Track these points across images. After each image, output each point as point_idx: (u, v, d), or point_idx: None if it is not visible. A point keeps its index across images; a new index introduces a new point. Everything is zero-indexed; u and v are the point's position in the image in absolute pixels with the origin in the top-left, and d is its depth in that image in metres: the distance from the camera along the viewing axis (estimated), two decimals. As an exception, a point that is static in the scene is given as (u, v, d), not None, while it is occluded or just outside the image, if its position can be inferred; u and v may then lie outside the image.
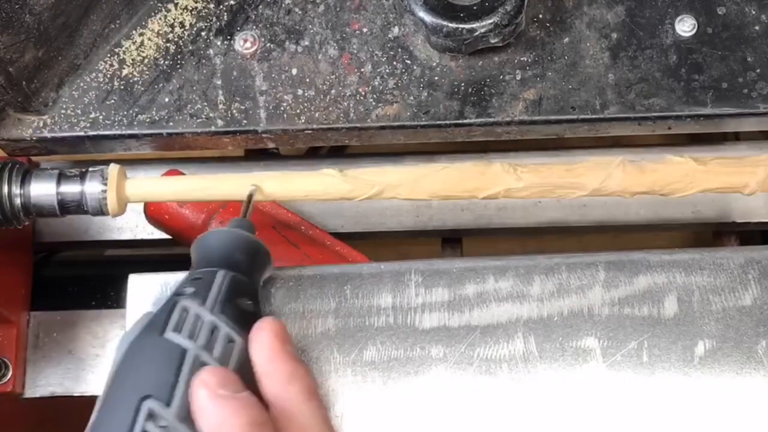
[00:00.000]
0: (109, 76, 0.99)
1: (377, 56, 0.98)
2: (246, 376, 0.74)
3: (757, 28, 0.98)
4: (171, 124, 0.98)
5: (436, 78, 0.97)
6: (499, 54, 0.98)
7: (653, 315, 0.87)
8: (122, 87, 0.98)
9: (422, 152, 1.14)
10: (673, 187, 0.91)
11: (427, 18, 0.93)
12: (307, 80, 0.98)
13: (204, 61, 0.99)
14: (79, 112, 0.98)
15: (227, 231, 0.82)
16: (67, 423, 1.18)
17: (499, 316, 0.87)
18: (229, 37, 0.99)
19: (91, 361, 1.09)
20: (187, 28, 1.00)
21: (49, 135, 0.98)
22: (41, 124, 0.98)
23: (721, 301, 0.87)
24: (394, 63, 0.98)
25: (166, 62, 0.99)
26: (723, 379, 0.86)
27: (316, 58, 0.99)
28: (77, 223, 1.14)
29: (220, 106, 0.98)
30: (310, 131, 0.97)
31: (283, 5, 1.00)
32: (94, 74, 0.99)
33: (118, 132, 0.98)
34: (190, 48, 0.99)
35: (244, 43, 0.99)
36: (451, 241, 1.17)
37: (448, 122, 0.97)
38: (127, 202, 0.92)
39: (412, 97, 0.97)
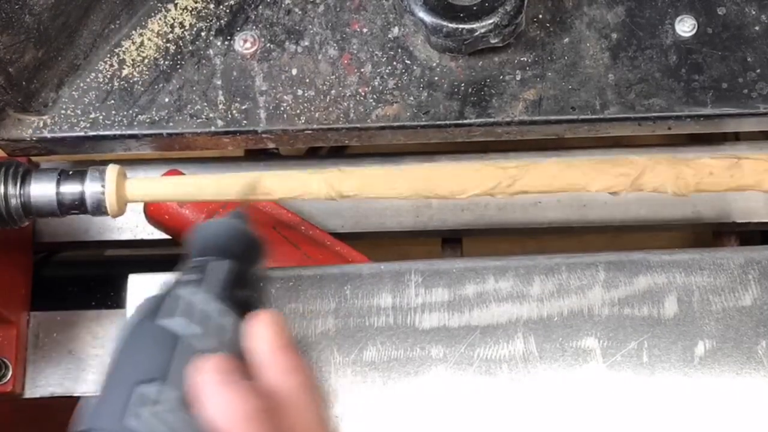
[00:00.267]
0: (109, 76, 0.99)
1: (377, 56, 0.98)
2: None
3: (757, 28, 0.98)
4: (171, 124, 0.98)
5: (436, 78, 0.97)
6: (499, 54, 0.98)
7: (653, 315, 0.87)
8: (122, 87, 0.98)
9: (422, 152, 1.14)
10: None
11: (427, 18, 0.93)
12: (307, 80, 0.98)
13: (204, 61, 0.99)
14: (79, 112, 0.98)
15: (224, 221, 0.83)
16: (67, 423, 1.18)
17: (499, 317, 0.87)
18: (229, 38, 0.99)
19: (91, 361, 1.09)
20: (187, 28, 1.00)
21: (49, 135, 0.98)
22: (41, 125, 0.98)
23: (721, 301, 0.87)
24: (394, 63, 0.98)
25: (166, 62, 0.99)
26: (723, 379, 0.86)
27: (316, 58, 0.99)
28: (77, 223, 1.14)
29: (220, 107, 0.98)
30: (310, 131, 0.97)
31: (283, 5, 1.00)
32: (94, 74, 0.99)
33: (118, 132, 0.98)
34: (190, 48, 0.99)
35: (244, 43, 0.99)
36: (451, 241, 1.17)
37: (448, 122, 0.97)
38: (127, 202, 0.92)
39: (412, 98, 0.97)
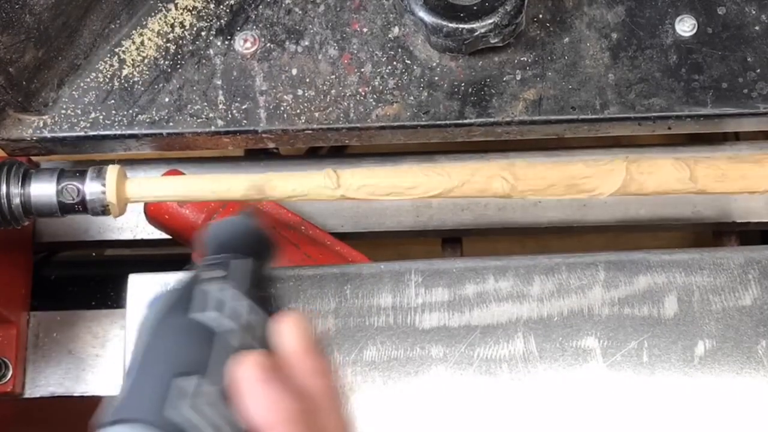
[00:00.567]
0: (109, 76, 0.99)
1: (377, 56, 0.98)
2: None
3: (757, 28, 0.98)
4: (171, 124, 0.98)
5: (436, 78, 0.97)
6: (499, 54, 0.98)
7: (653, 315, 0.87)
8: (122, 87, 0.98)
9: (422, 152, 1.14)
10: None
11: (427, 18, 0.93)
12: (307, 80, 0.98)
13: (204, 61, 0.99)
14: (79, 112, 0.98)
15: (238, 220, 0.83)
16: (67, 423, 1.18)
17: (499, 316, 0.87)
18: (229, 37, 0.99)
19: (91, 361, 1.09)
20: (187, 28, 1.00)
21: (49, 135, 0.98)
22: (41, 124, 0.98)
23: (721, 301, 0.87)
24: (394, 63, 0.98)
25: (166, 62, 0.99)
26: (723, 379, 0.86)
27: (316, 58, 0.99)
28: (77, 223, 1.14)
29: (220, 106, 0.98)
30: (310, 131, 0.97)
31: (283, 5, 1.00)
32: (94, 74, 0.99)
33: (118, 132, 0.98)
34: (190, 48, 0.99)
35: (244, 43, 0.99)
36: (451, 241, 1.17)
37: (448, 122, 0.97)
38: (127, 202, 0.92)
39: (412, 97, 0.97)
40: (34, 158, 1.06)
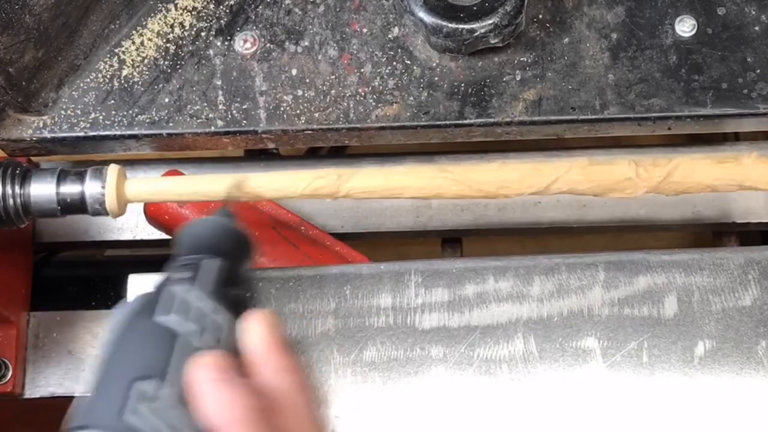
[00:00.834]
0: (109, 76, 0.99)
1: (377, 56, 0.98)
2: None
3: (757, 28, 0.98)
4: (171, 124, 0.98)
5: (436, 78, 0.97)
6: (499, 54, 0.98)
7: (653, 315, 0.87)
8: (122, 87, 0.98)
9: (422, 152, 1.14)
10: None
11: (427, 18, 0.93)
12: (307, 81, 0.98)
13: (204, 61, 0.99)
14: (79, 112, 0.98)
15: (213, 219, 0.83)
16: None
17: (499, 317, 0.87)
18: (229, 38, 0.99)
19: (91, 361, 1.09)
20: (187, 28, 1.00)
21: (49, 135, 0.98)
22: (41, 125, 0.98)
23: (721, 301, 0.87)
24: (394, 63, 0.98)
25: (166, 62, 0.99)
26: (723, 379, 0.86)
27: (316, 58, 0.99)
28: (77, 223, 1.14)
29: (220, 107, 0.98)
30: (310, 131, 0.97)
31: (283, 5, 1.00)
32: (94, 74, 0.99)
33: (118, 132, 0.98)
34: (190, 48, 0.99)
35: (244, 43, 0.99)
36: (451, 241, 1.17)
37: (448, 122, 0.97)
38: (127, 202, 0.92)
39: (412, 98, 0.97)
40: (34, 158, 1.07)
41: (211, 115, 0.97)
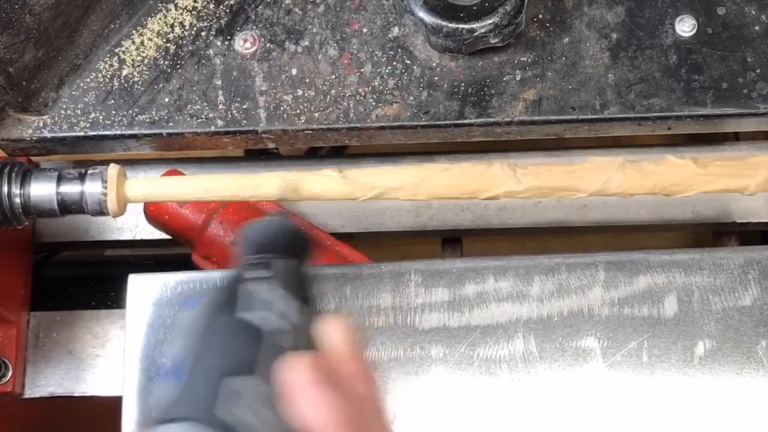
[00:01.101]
0: (109, 76, 0.99)
1: (377, 56, 0.98)
2: None
3: (757, 28, 0.98)
4: (171, 124, 0.98)
5: (436, 78, 0.97)
6: (499, 54, 0.98)
7: (653, 315, 0.87)
8: (122, 87, 0.98)
9: (422, 152, 1.14)
10: (673, 189, 0.91)
11: (427, 18, 0.93)
12: (307, 80, 0.98)
13: (204, 61, 0.99)
14: (79, 112, 0.98)
15: (278, 221, 0.83)
16: (67, 423, 1.18)
17: (499, 316, 0.87)
18: (229, 37, 0.99)
19: (91, 361, 1.09)
20: (187, 28, 1.00)
21: (49, 135, 0.98)
22: (41, 124, 0.98)
23: (721, 301, 0.88)
24: (394, 63, 0.98)
25: (166, 62, 0.99)
26: (723, 379, 0.86)
27: (316, 58, 0.99)
28: (77, 223, 1.14)
29: (220, 106, 0.98)
30: (310, 131, 0.97)
31: (283, 5, 1.00)
32: (94, 74, 0.99)
33: (118, 132, 0.98)
34: (190, 48, 0.99)
35: (244, 43, 0.99)
36: (451, 241, 1.17)
37: (448, 122, 0.97)
38: (127, 202, 0.92)
39: (412, 98, 0.97)
40: (34, 158, 1.07)
41: (211, 115, 0.97)
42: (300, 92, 0.98)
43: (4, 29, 0.88)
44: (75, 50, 0.97)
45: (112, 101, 0.98)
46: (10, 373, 1.06)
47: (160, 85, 0.98)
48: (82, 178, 0.91)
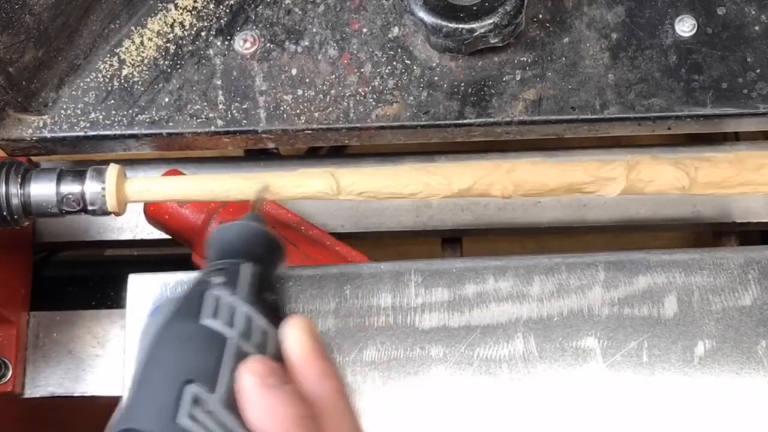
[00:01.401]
0: (109, 76, 0.99)
1: (377, 56, 0.98)
2: None
3: (757, 28, 0.98)
4: (171, 124, 0.98)
5: (436, 78, 0.97)
6: (499, 54, 0.98)
7: (653, 315, 0.87)
8: (122, 87, 0.98)
9: (422, 152, 1.14)
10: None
11: (427, 18, 0.93)
12: (307, 80, 0.98)
13: (204, 61, 0.99)
14: (79, 112, 0.98)
15: (248, 224, 0.82)
16: (67, 423, 1.18)
17: (499, 316, 0.87)
18: (229, 37, 0.99)
19: (91, 361, 1.09)
20: (187, 28, 1.00)
21: (49, 135, 0.98)
22: (41, 124, 0.98)
23: (721, 301, 0.88)
24: (394, 63, 0.98)
25: (166, 62, 0.99)
26: (723, 379, 0.86)
27: (316, 58, 0.99)
28: (77, 223, 1.14)
29: (220, 106, 0.98)
30: (310, 131, 0.97)
31: (283, 5, 1.00)
32: (94, 74, 0.99)
33: (118, 132, 0.98)
34: (190, 48, 0.99)
35: (244, 43, 0.99)
36: (451, 241, 1.17)
37: (448, 122, 0.97)
38: (127, 202, 0.92)
39: (412, 97, 0.97)
40: (34, 158, 1.07)
41: (211, 115, 0.97)
42: (300, 92, 0.98)
43: (4, 29, 0.88)
44: (75, 50, 0.97)
45: (112, 101, 0.98)
46: (10, 373, 1.06)
47: (160, 85, 0.98)
48: (82, 178, 0.91)
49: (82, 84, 0.98)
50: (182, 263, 1.03)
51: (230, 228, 0.81)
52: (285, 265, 0.83)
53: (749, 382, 0.85)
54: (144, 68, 0.99)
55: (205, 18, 1.00)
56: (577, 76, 0.97)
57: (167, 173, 1.06)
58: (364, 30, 0.99)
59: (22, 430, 1.18)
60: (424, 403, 0.85)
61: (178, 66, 0.99)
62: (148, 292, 0.91)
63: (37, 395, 1.09)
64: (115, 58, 0.99)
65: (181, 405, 0.68)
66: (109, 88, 0.98)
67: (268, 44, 0.99)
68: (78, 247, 1.20)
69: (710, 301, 0.87)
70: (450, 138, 0.99)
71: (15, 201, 0.91)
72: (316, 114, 0.97)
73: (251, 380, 0.70)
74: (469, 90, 0.97)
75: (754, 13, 0.98)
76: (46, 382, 1.09)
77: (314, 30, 0.99)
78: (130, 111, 0.98)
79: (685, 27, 0.98)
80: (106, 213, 0.91)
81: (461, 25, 0.93)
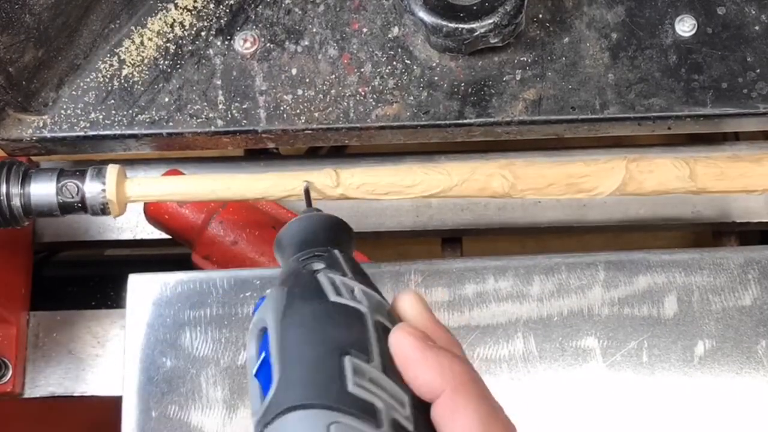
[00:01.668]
0: (109, 76, 0.99)
1: (377, 56, 0.98)
2: None
3: (757, 28, 0.98)
4: (171, 124, 0.98)
5: (436, 78, 0.97)
6: (499, 54, 0.98)
7: (653, 315, 0.87)
8: (122, 87, 0.98)
9: (422, 152, 1.14)
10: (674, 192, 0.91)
11: (427, 18, 0.93)
12: (307, 80, 0.98)
13: (204, 61, 0.99)
14: (79, 112, 0.98)
15: (323, 215, 0.83)
16: (67, 423, 1.18)
17: (499, 316, 0.87)
18: (229, 37, 0.99)
19: (91, 361, 1.09)
20: (187, 28, 1.00)
21: (49, 135, 0.98)
22: (41, 124, 0.98)
23: (721, 301, 0.88)
24: (394, 63, 0.98)
25: (166, 62, 0.99)
26: (723, 379, 0.86)
27: (316, 58, 0.99)
28: (77, 223, 1.14)
29: (220, 106, 0.98)
30: (310, 131, 0.97)
31: (283, 5, 1.00)
32: (94, 74, 0.99)
33: (118, 132, 0.98)
34: (190, 48, 0.99)
35: (244, 43, 0.99)
36: (451, 241, 1.17)
37: (448, 122, 0.97)
38: (127, 202, 0.92)
39: (412, 97, 0.97)
40: (34, 158, 1.07)
41: (211, 115, 0.97)
42: (300, 92, 0.98)
43: (4, 29, 0.88)
44: (75, 50, 0.97)
45: (112, 101, 0.98)
46: (10, 373, 1.06)
47: (160, 85, 0.98)
48: (82, 178, 0.91)
49: (82, 84, 0.98)
50: (182, 263, 1.03)
51: (307, 219, 0.82)
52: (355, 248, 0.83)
53: (749, 382, 0.85)
54: (144, 68, 0.99)
55: (205, 18, 1.00)
56: (577, 76, 0.97)
57: (167, 173, 1.06)
58: (364, 30, 0.99)
59: (22, 430, 1.18)
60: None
61: (178, 66, 0.99)
62: (148, 292, 0.91)
63: (37, 395, 1.09)
64: (115, 58, 0.99)
65: (346, 375, 0.67)
66: (109, 88, 0.98)
67: (268, 44, 0.99)
68: (78, 247, 1.20)
69: (710, 301, 0.87)
70: (450, 138, 0.99)
71: (15, 201, 0.90)
72: (316, 114, 0.97)
73: (411, 341, 0.70)
74: (469, 90, 0.97)
75: (754, 13, 0.98)
76: (46, 382, 1.09)
77: (314, 30, 0.99)
78: (130, 111, 0.98)
79: (685, 27, 0.98)
80: (106, 213, 0.91)
81: (461, 25, 0.93)
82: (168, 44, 0.99)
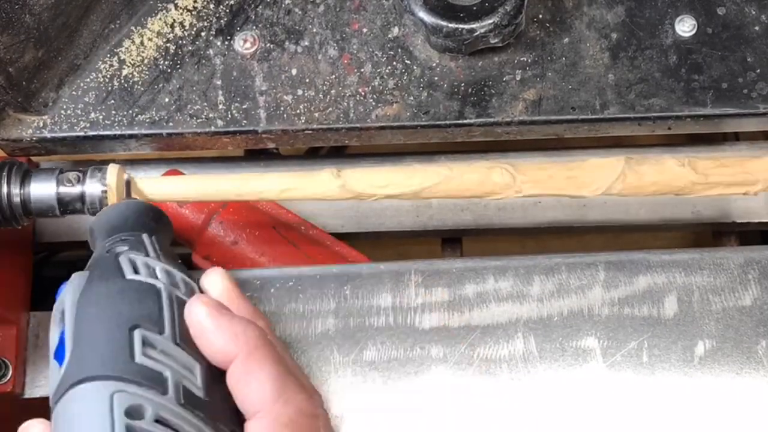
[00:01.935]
0: (109, 76, 0.99)
1: (377, 56, 0.98)
2: None
3: (757, 28, 0.98)
4: (171, 124, 0.98)
5: (436, 78, 0.98)
6: (499, 54, 0.98)
7: (653, 315, 0.87)
8: (122, 87, 0.98)
9: (422, 152, 1.14)
10: (675, 192, 0.92)
11: (427, 18, 0.93)
12: (307, 80, 0.98)
13: (204, 61, 0.99)
14: (79, 112, 0.98)
15: (133, 201, 0.85)
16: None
17: (499, 316, 0.87)
18: (229, 37, 0.99)
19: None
20: (187, 28, 1.00)
21: (49, 135, 0.98)
22: (41, 124, 0.98)
23: (721, 301, 0.88)
24: (394, 63, 0.98)
25: (166, 62, 0.99)
26: (723, 379, 0.86)
27: (316, 58, 0.99)
28: (77, 223, 1.14)
29: (220, 107, 0.98)
30: (310, 131, 0.97)
31: (283, 5, 1.00)
32: (94, 74, 0.99)
33: (118, 132, 0.98)
34: (190, 48, 0.99)
35: (244, 43, 0.99)
36: (451, 241, 1.17)
37: (448, 122, 0.97)
38: (127, 202, 0.92)
39: (412, 98, 0.97)
40: (34, 158, 1.07)
41: (211, 115, 0.98)
42: (300, 92, 0.98)
43: (4, 29, 0.88)
44: (75, 50, 0.97)
45: (112, 101, 0.98)
46: (10, 373, 1.06)
47: (160, 85, 0.98)
48: (82, 178, 0.91)
49: (82, 84, 0.98)
50: (182, 263, 1.03)
51: (117, 207, 0.84)
52: (173, 235, 0.85)
53: (749, 382, 0.85)
54: (144, 68, 0.99)
55: (205, 18, 1.00)
56: (577, 76, 0.97)
57: (167, 173, 1.06)
58: (364, 30, 0.99)
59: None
60: (424, 404, 0.85)
61: (178, 66, 0.99)
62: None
63: (37, 395, 1.08)
64: (115, 58, 0.99)
65: (134, 347, 0.70)
66: (109, 88, 0.98)
67: (268, 44, 0.99)
68: (78, 247, 1.20)
69: (710, 301, 0.87)
70: (450, 138, 0.99)
71: (15, 201, 0.90)
72: (316, 114, 0.97)
73: (205, 310, 0.72)
74: (469, 90, 0.97)
75: (754, 13, 0.98)
76: (46, 382, 1.09)
77: (314, 30, 0.99)
78: (130, 111, 0.98)
79: (685, 27, 0.98)
80: (106, 213, 0.91)
81: (461, 25, 0.93)
82: (168, 44, 0.99)
